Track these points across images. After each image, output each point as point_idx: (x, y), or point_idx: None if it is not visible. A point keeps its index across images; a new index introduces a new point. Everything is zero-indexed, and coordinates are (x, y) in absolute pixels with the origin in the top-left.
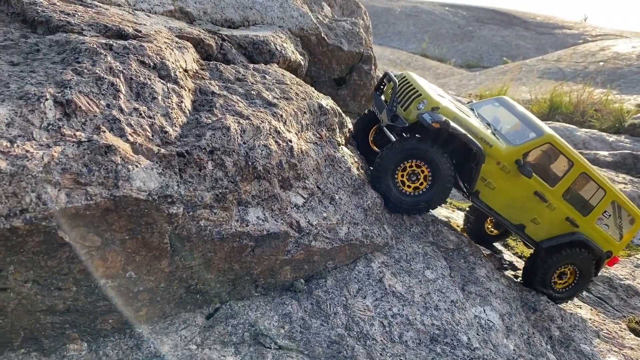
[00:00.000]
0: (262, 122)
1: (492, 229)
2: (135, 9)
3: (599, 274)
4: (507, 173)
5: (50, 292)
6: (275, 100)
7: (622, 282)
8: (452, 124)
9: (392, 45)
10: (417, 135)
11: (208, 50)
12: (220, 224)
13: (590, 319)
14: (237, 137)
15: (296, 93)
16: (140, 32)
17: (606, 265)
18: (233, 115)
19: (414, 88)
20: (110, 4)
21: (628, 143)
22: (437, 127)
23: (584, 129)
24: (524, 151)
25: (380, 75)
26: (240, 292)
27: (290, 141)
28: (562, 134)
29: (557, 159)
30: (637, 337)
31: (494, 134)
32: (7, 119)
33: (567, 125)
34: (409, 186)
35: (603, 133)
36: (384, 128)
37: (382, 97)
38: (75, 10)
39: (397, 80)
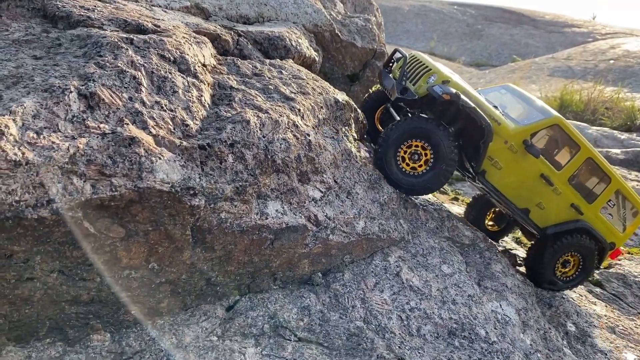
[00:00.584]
0: (281, 115)
1: (492, 225)
2: (152, 5)
3: (602, 266)
4: (514, 153)
5: (75, 282)
6: (292, 95)
7: (637, 278)
8: (463, 97)
9: (400, 44)
10: (424, 113)
11: (225, 46)
12: (241, 216)
13: (605, 315)
14: (257, 131)
15: (313, 88)
16: (159, 27)
17: (609, 258)
18: (252, 109)
19: (424, 64)
20: (127, 0)
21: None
22: (447, 98)
23: (595, 127)
24: (532, 131)
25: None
26: (259, 285)
27: (308, 135)
28: None
29: (564, 142)
30: None
31: (502, 115)
32: (33, 110)
33: (579, 122)
34: (407, 164)
35: (614, 131)
36: (390, 108)
37: (391, 75)
38: (95, 6)
39: (407, 55)
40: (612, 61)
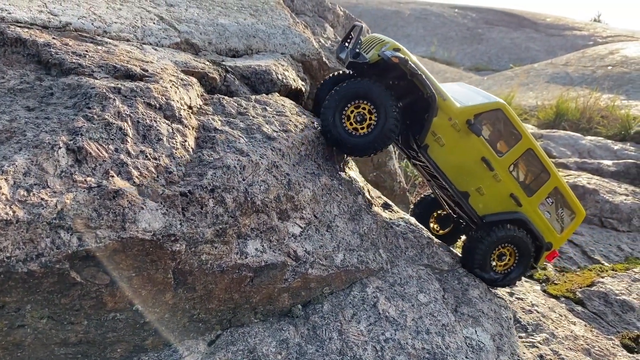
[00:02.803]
0: (261, 157)
1: (438, 228)
2: (143, 43)
3: (539, 265)
4: (457, 131)
5: (63, 326)
6: (274, 134)
7: (618, 297)
8: (410, 62)
9: None
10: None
11: (212, 83)
12: (221, 257)
13: (583, 336)
14: (237, 175)
15: (295, 125)
16: (147, 71)
17: (545, 260)
18: (233, 153)
19: (381, 39)
20: (119, 39)
21: (633, 151)
22: (395, 61)
23: (589, 137)
24: (476, 112)
25: None
26: (240, 319)
27: (288, 174)
28: (567, 142)
29: (507, 129)
30: (629, 354)
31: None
32: (24, 168)
33: (572, 133)
34: (351, 124)
35: (608, 141)
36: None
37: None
38: (86, 51)
39: (362, 25)
40: (609, 67)
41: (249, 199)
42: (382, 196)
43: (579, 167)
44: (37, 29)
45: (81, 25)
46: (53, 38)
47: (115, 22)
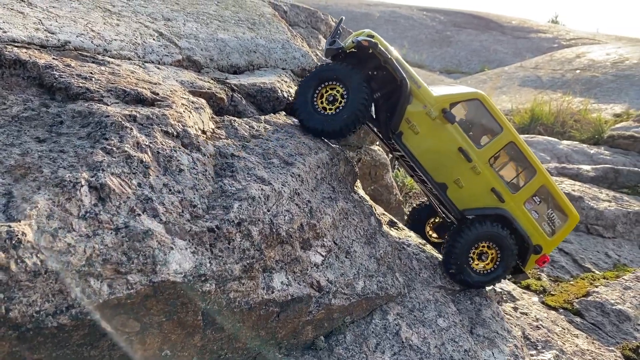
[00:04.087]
0: (283, 185)
1: (433, 234)
2: (145, 61)
3: (528, 270)
4: (432, 120)
5: None
6: (291, 159)
7: (614, 307)
8: (381, 47)
9: None
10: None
11: (220, 104)
12: (248, 293)
13: (588, 350)
14: (262, 206)
15: (309, 147)
16: (158, 94)
17: (536, 265)
18: (256, 182)
19: (362, 31)
20: (120, 58)
21: (608, 155)
22: (365, 44)
23: (565, 142)
24: (452, 101)
25: None
26: (266, 356)
27: (310, 202)
28: (545, 147)
29: (486, 121)
30: None
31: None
32: (46, 210)
33: (550, 138)
34: (324, 108)
35: (584, 145)
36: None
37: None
38: (91, 73)
39: (343, 17)
40: (578, 71)
41: (274, 230)
42: (385, 212)
43: (559, 173)
44: (36, 49)
45: (80, 43)
46: (53, 58)
47: (115, 40)
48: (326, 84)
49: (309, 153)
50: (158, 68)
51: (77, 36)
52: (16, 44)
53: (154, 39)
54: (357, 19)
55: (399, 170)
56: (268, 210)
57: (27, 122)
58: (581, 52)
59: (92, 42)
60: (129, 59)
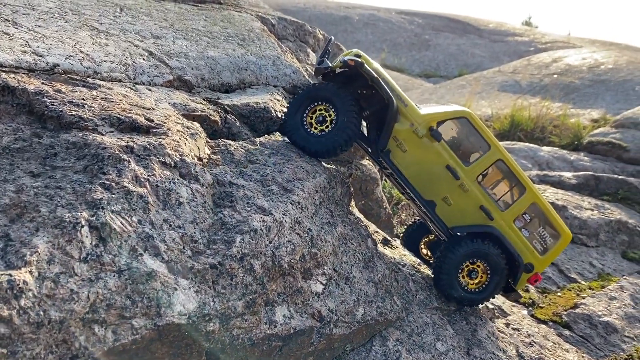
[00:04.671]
0: (284, 214)
1: (427, 253)
2: (136, 83)
3: (519, 288)
4: (420, 138)
5: None
6: (290, 185)
7: (601, 318)
8: (367, 66)
9: None
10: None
11: (214, 126)
12: (251, 329)
13: None
14: (264, 238)
15: (306, 171)
16: (153, 121)
17: (527, 284)
18: (256, 212)
19: (352, 51)
20: (111, 80)
21: (588, 162)
22: (351, 64)
23: (546, 148)
24: (439, 119)
25: None
26: None
27: (310, 230)
28: (527, 154)
29: (474, 139)
30: None
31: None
32: (47, 255)
33: (531, 145)
34: (315, 128)
35: (564, 151)
36: None
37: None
38: (83, 99)
39: (332, 38)
40: (555, 75)
41: (276, 263)
42: (378, 230)
43: (541, 180)
44: (24, 73)
45: (70, 66)
46: (43, 83)
47: (105, 61)
48: (315, 104)
49: (306, 178)
50: (149, 90)
51: (65, 58)
52: (3, 69)
53: (144, 59)
54: (336, 22)
55: (386, 182)
56: (270, 243)
57: (19, 154)
58: (557, 56)
59: (81, 64)
60: (120, 81)
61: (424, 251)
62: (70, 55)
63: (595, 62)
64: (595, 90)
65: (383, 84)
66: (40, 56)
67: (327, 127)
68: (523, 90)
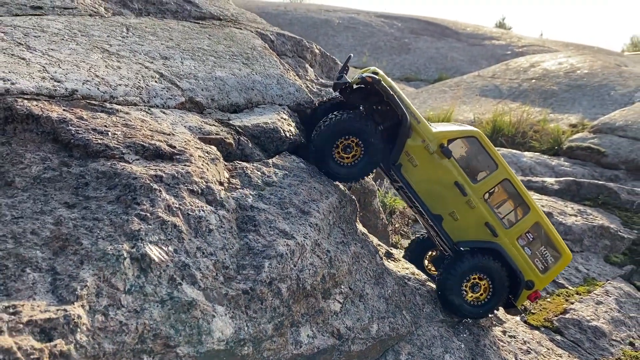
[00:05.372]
0: (305, 237)
1: (431, 268)
2: (150, 106)
3: (519, 305)
4: (430, 154)
5: None
6: (306, 207)
7: (590, 323)
8: (384, 83)
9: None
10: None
11: (229, 148)
12: (279, 350)
13: None
14: (289, 262)
15: (320, 192)
16: (175, 147)
17: (528, 301)
18: (279, 236)
19: (369, 68)
20: (127, 104)
21: (568, 167)
22: (369, 80)
23: (528, 154)
24: (450, 137)
25: None
26: None
27: (329, 251)
28: (510, 160)
29: (482, 158)
30: None
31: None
32: (94, 288)
33: (514, 151)
34: (342, 157)
35: (545, 157)
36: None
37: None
38: (105, 126)
39: (351, 55)
40: (533, 80)
41: (300, 285)
42: (380, 243)
43: (526, 187)
44: (45, 100)
45: (87, 91)
46: (64, 110)
47: (120, 85)
48: (343, 138)
49: (320, 198)
50: (164, 113)
51: (83, 83)
52: (25, 96)
53: (155, 81)
54: (317, 25)
55: (379, 190)
56: (294, 266)
57: (51, 184)
58: (535, 61)
59: (98, 89)
60: (135, 104)
61: (429, 267)
62: (87, 80)
63: (571, 67)
64: (572, 95)
65: (398, 100)
66: (59, 82)
67: (355, 157)
68: (503, 95)
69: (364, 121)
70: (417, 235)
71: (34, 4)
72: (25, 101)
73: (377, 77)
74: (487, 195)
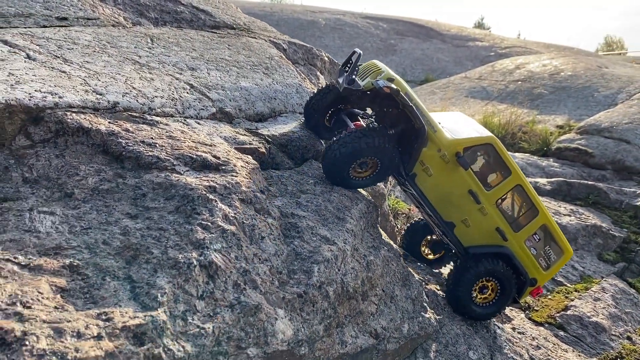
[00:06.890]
0: (345, 243)
1: (428, 252)
2: (186, 117)
3: (522, 301)
4: (446, 163)
5: None
6: (341, 214)
7: (591, 319)
8: (402, 93)
9: None
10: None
11: (261, 157)
12: (328, 350)
13: None
14: (334, 266)
15: (350, 199)
16: (219, 158)
17: (530, 296)
18: (322, 242)
19: (378, 67)
20: (164, 115)
21: (558, 167)
22: (387, 91)
23: (519, 155)
24: (466, 145)
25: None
26: None
27: (366, 256)
28: None
29: (496, 164)
30: None
31: (440, 124)
32: (172, 295)
33: (510, 153)
34: (358, 172)
35: (536, 158)
36: (343, 116)
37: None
38: (152, 137)
39: (361, 52)
40: (519, 82)
41: (344, 288)
42: (393, 245)
43: None
44: (90, 113)
45: (128, 104)
46: (110, 123)
47: (156, 96)
48: (361, 159)
49: (351, 205)
50: (199, 123)
51: (122, 96)
52: (73, 109)
53: (187, 92)
54: (304, 27)
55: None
56: (339, 270)
57: (110, 195)
58: (520, 62)
59: (137, 101)
60: (172, 115)
61: (425, 252)
62: (126, 93)
63: (555, 69)
64: (557, 96)
65: (416, 110)
66: (101, 95)
67: (372, 171)
68: (490, 96)
69: (381, 140)
70: (412, 221)
71: (59, 14)
72: (74, 114)
73: (394, 87)
74: (499, 201)
